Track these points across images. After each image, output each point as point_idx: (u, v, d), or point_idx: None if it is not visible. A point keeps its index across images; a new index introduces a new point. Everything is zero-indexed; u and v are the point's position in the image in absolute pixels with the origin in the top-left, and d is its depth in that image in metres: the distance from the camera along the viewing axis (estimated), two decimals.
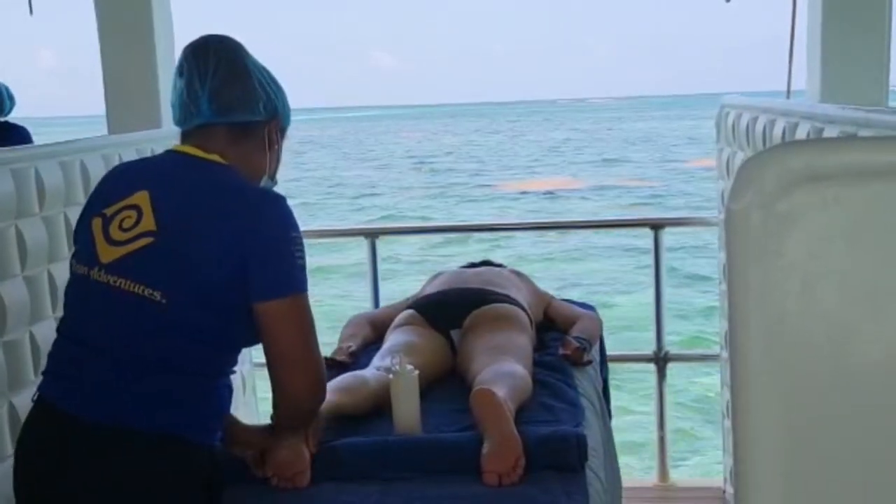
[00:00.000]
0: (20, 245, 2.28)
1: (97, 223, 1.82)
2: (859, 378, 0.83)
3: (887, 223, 0.82)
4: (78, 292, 1.82)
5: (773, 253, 0.83)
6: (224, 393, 1.84)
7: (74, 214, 2.49)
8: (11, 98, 4.44)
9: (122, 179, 1.90)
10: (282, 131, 1.96)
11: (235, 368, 1.88)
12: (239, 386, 3.54)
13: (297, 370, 1.79)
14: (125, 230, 1.76)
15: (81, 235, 1.87)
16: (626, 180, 26.71)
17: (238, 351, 1.85)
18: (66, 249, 2.46)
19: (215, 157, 1.85)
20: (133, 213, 1.77)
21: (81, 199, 2.54)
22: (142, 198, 1.79)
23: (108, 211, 1.82)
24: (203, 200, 1.78)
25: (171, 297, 1.71)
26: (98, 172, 2.62)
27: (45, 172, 2.39)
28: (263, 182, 1.93)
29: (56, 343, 1.85)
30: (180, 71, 1.90)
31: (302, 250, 1.77)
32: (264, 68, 1.93)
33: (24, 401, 2.17)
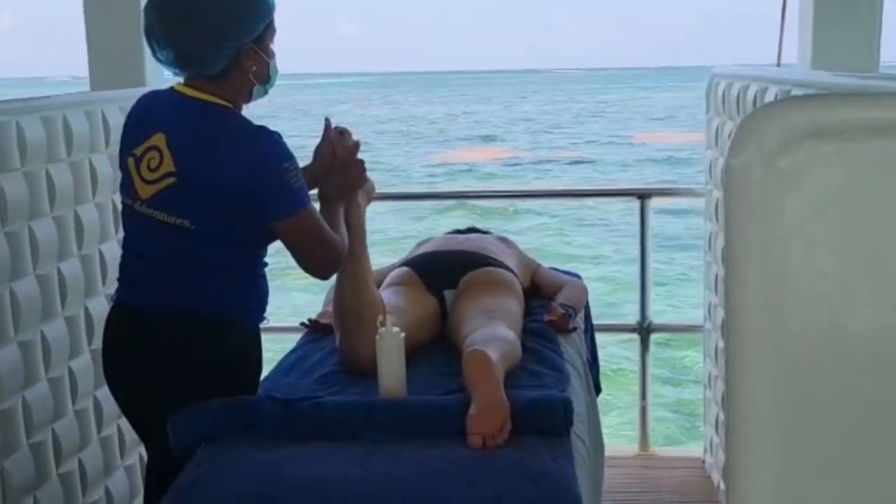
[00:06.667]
0: (0, 200, 2.24)
1: (131, 163, 2.15)
2: (857, 341, 0.82)
3: (889, 181, 0.80)
4: (128, 218, 2.21)
5: (774, 210, 0.80)
6: (261, 282, 2.23)
7: (57, 170, 2.47)
8: None
9: (142, 120, 2.18)
10: (259, 41, 2.14)
11: (267, 261, 2.25)
12: None
13: (316, 263, 2.19)
14: (152, 170, 2.10)
15: (123, 171, 2.20)
16: (557, 152, 26.72)
17: (264, 249, 2.22)
18: (47, 206, 2.43)
19: (213, 99, 2.12)
20: (156, 155, 2.10)
21: (64, 156, 2.51)
22: (159, 139, 2.11)
23: (137, 151, 2.13)
24: (210, 142, 2.10)
25: (199, 224, 2.09)
26: (81, 128, 2.59)
27: (28, 127, 2.35)
28: (256, 92, 2.19)
29: (122, 256, 2.26)
30: (147, 34, 2.13)
31: (296, 174, 2.09)
32: None
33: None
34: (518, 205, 15.46)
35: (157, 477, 2.16)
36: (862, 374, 0.82)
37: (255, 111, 2.27)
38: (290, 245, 2.15)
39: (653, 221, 3.68)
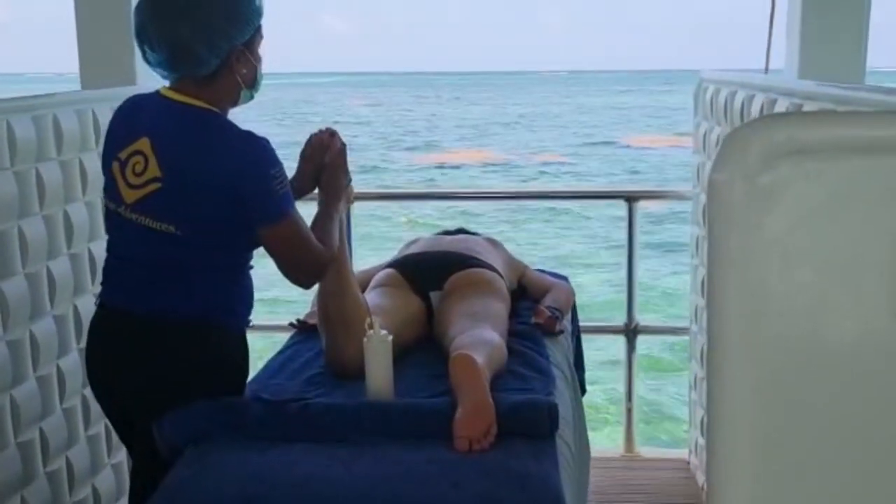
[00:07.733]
0: None
1: (116, 167, 2.13)
2: (835, 352, 0.84)
3: (867, 199, 0.82)
4: (113, 222, 2.19)
5: (755, 226, 0.82)
6: (247, 284, 2.22)
7: (46, 169, 2.47)
8: None
9: (127, 124, 2.16)
10: (249, 45, 2.14)
11: (252, 263, 2.23)
12: None
13: (298, 272, 2.17)
14: (137, 175, 2.09)
15: (106, 174, 2.19)
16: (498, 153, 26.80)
17: (249, 252, 2.20)
18: (37, 205, 2.43)
19: (199, 103, 2.11)
20: (141, 160, 2.09)
21: (54, 155, 2.52)
22: (144, 144, 2.09)
23: (122, 155, 2.12)
24: (196, 147, 2.08)
25: (185, 229, 2.07)
26: (72, 127, 2.59)
27: (18, 126, 2.35)
28: (242, 96, 2.19)
29: (107, 260, 2.24)
30: (139, 34, 2.11)
31: (282, 181, 2.08)
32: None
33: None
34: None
35: (143, 481, 2.14)
36: (839, 383, 0.84)
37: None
38: (272, 252, 2.14)
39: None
